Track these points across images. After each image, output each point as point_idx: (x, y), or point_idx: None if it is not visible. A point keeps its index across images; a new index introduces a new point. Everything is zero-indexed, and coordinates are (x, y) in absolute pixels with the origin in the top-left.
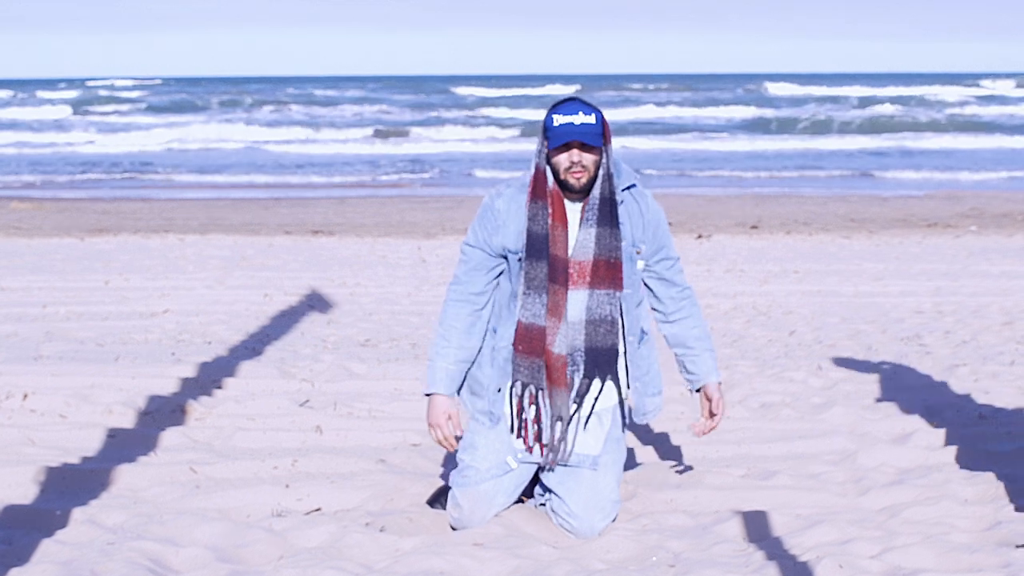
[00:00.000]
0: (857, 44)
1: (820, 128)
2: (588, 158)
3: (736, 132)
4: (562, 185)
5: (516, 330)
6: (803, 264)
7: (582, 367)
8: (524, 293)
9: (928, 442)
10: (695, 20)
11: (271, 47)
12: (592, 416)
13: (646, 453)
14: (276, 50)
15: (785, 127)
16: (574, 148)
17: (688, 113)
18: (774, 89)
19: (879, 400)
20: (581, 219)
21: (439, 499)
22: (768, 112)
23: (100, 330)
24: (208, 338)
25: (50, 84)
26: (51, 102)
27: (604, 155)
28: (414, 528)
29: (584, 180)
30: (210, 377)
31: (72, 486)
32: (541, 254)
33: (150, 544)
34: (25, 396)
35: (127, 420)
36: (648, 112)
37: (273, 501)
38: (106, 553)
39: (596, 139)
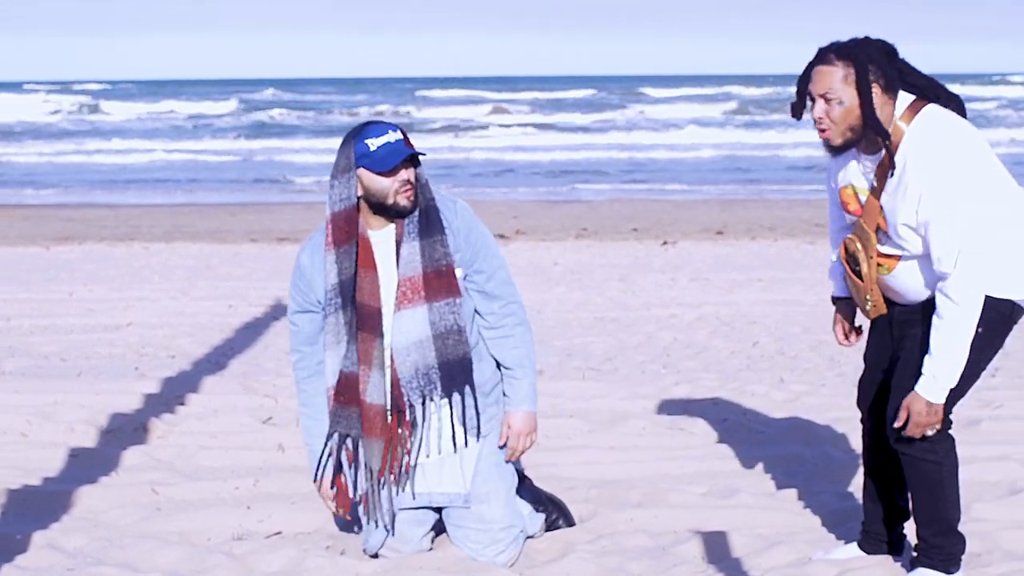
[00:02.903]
0: None
1: None
2: (414, 173)
3: None
4: (389, 210)
5: (337, 380)
6: (768, 272)
7: (439, 384)
8: (338, 343)
9: None
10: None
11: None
12: (453, 453)
13: (606, 470)
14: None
15: None
16: (401, 168)
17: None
18: None
19: (840, 414)
20: (401, 236)
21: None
22: None
23: (64, 344)
24: (172, 352)
25: None
26: None
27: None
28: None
29: (414, 197)
30: (173, 393)
31: (33, 508)
32: (347, 302)
33: (110, 570)
34: None
35: (89, 439)
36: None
37: (234, 523)
38: None
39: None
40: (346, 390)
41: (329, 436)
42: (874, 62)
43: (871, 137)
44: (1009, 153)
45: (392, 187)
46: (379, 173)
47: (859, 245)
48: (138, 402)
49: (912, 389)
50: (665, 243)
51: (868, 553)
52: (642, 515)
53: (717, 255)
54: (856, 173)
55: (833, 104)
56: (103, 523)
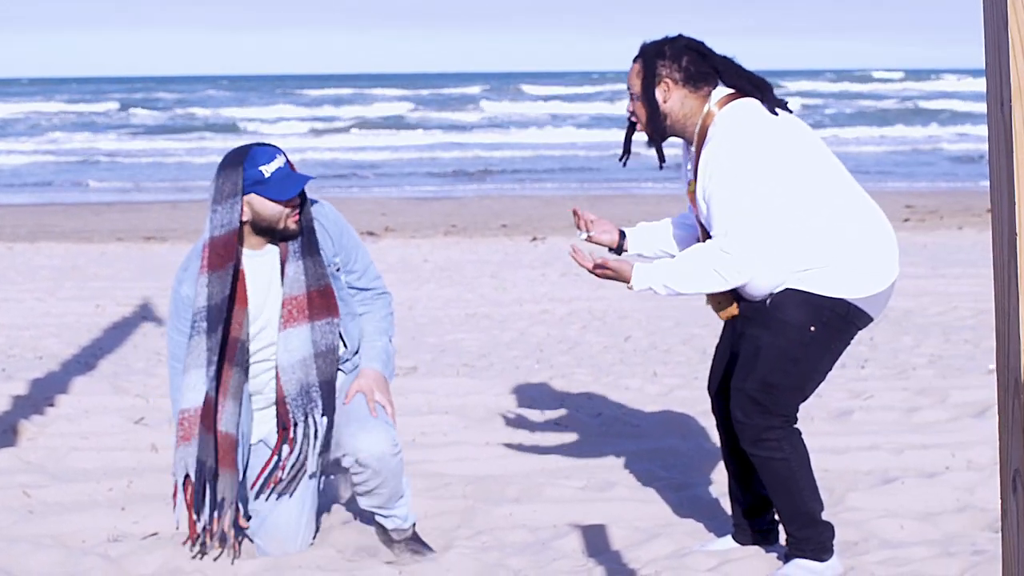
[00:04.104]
0: None
1: None
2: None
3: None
4: (276, 234)
5: (204, 403)
6: None
7: (320, 403)
8: (199, 366)
9: None
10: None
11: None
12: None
13: (482, 466)
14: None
15: None
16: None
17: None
18: None
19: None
20: (286, 256)
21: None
22: None
23: None
24: (39, 353)
25: None
26: None
27: None
28: (255, 550)
29: (300, 220)
30: (42, 394)
31: None
32: (215, 326)
33: None
34: None
35: None
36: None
37: (109, 525)
38: None
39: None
40: (206, 416)
41: (193, 460)
42: (666, 57)
43: (680, 131)
44: (883, 151)
45: (284, 212)
46: (275, 201)
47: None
48: (6, 404)
49: (748, 391)
50: (535, 239)
51: (742, 544)
52: (520, 510)
53: (587, 251)
54: (689, 169)
55: (635, 100)
56: None
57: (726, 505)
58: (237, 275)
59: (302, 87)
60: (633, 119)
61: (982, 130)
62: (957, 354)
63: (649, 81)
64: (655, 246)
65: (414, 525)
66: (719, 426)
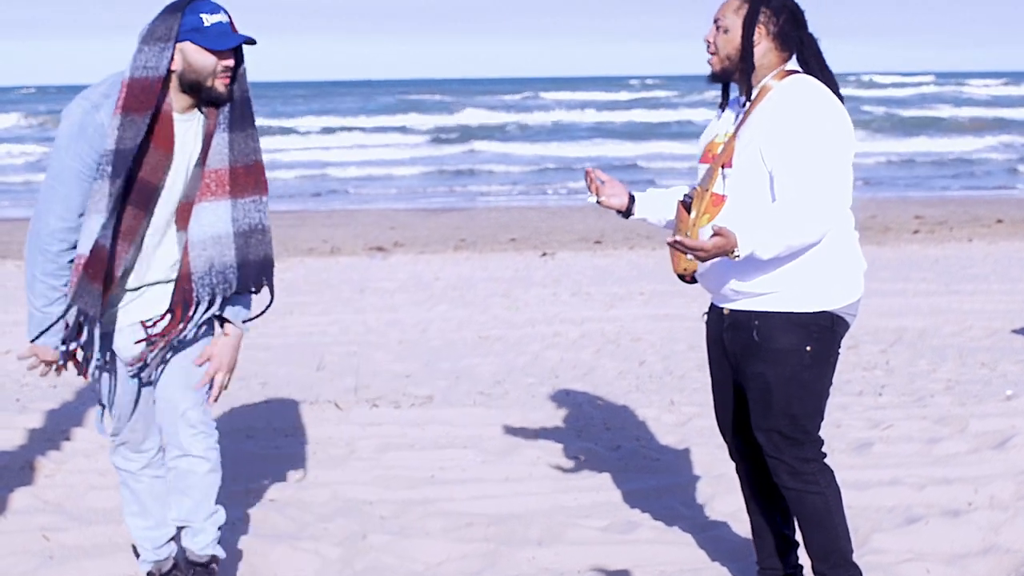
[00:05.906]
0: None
1: None
2: (233, 62)
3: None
4: (201, 92)
5: (90, 251)
6: (648, 284)
7: (234, 283)
8: (98, 212)
9: None
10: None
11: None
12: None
13: (503, 504)
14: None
15: None
16: (230, 53)
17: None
18: None
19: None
20: (213, 127)
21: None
22: None
23: None
24: (54, 381)
25: None
26: None
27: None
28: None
29: (230, 85)
30: (58, 427)
31: None
32: (120, 172)
33: None
34: None
35: None
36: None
37: (131, 570)
38: None
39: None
40: (94, 263)
41: (68, 308)
42: (770, 6)
43: (746, 79)
44: (884, 162)
45: (215, 68)
46: (208, 50)
47: (700, 187)
48: (22, 438)
49: (776, 429)
50: (544, 254)
51: None
52: (543, 553)
53: (596, 266)
54: (729, 120)
55: (720, 31)
56: None
57: (751, 548)
58: (156, 120)
59: (315, 94)
60: (711, 49)
61: (979, 138)
62: (974, 379)
63: (750, 20)
64: (663, 214)
65: (213, 560)
66: (739, 469)
